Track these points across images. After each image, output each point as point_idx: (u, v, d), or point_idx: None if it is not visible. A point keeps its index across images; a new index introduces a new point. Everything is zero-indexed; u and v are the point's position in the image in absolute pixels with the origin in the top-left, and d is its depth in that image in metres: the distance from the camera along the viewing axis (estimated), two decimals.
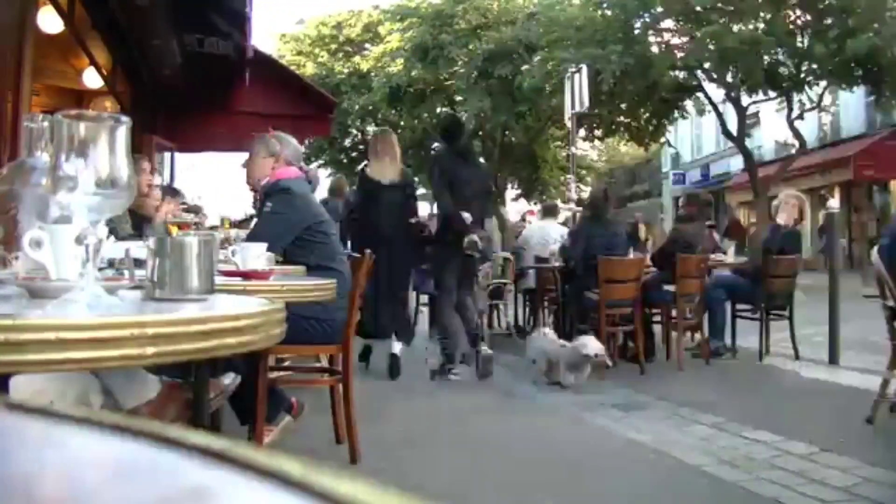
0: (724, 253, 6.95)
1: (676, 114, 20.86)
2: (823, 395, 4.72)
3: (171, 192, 5.46)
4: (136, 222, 3.92)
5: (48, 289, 1.03)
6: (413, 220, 5.39)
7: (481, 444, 3.55)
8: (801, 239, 6.34)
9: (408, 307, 5.93)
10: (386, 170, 5.26)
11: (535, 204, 27.85)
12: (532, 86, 18.02)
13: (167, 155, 10.25)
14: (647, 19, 18.37)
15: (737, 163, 23.10)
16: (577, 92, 10.37)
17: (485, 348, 5.25)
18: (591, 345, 4.68)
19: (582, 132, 20.78)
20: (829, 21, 16.42)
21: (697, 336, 6.19)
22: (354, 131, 29.48)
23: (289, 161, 3.40)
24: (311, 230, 3.25)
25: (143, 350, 0.87)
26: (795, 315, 5.95)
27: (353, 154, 31.17)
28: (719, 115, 19.52)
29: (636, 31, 18.21)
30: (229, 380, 2.80)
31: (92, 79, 6.22)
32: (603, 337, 5.33)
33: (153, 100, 7.15)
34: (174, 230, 3.58)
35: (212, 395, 2.55)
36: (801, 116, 18.24)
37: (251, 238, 3.01)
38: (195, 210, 5.91)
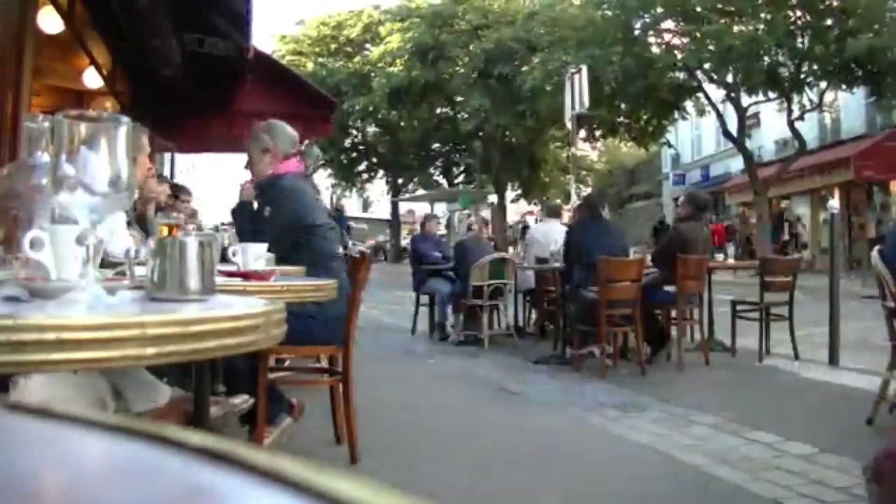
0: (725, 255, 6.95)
1: (676, 114, 20.87)
2: (823, 395, 4.72)
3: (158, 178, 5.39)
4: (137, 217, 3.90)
5: (48, 289, 1.02)
6: None
7: (481, 444, 3.55)
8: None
9: None
10: None
11: (535, 204, 27.92)
12: (533, 86, 18.03)
13: (167, 155, 10.25)
14: (647, 20, 18.38)
15: (737, 163, 23.11)
16: (578, 92, 10.39)
17: None
18: None
19: (582, 133, 20.79)
20: (829, 22, 16.44)
21: (697, 336, 6.20)
22: (354, 132, 29.51)
23: (285, 152, 3.33)
24: (303, 230, 3.18)
25: (143, 350, 0.87)
26: (795, 315, 5.96)
27: (353, 155, 31.20)
28: (719, 116, 19.53)
29: (636, 32, 18.24)
30: (240, 400, 2.82)
31: (92, 79, 6.22)
32: (603, 337, 5.33)
33: (153, 100, 7.14)
34: (164, 230, 3.56)
35: (221, 413, 2.57)
36: (801, 117, 18.25)
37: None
38: (185, 205, 5.86)
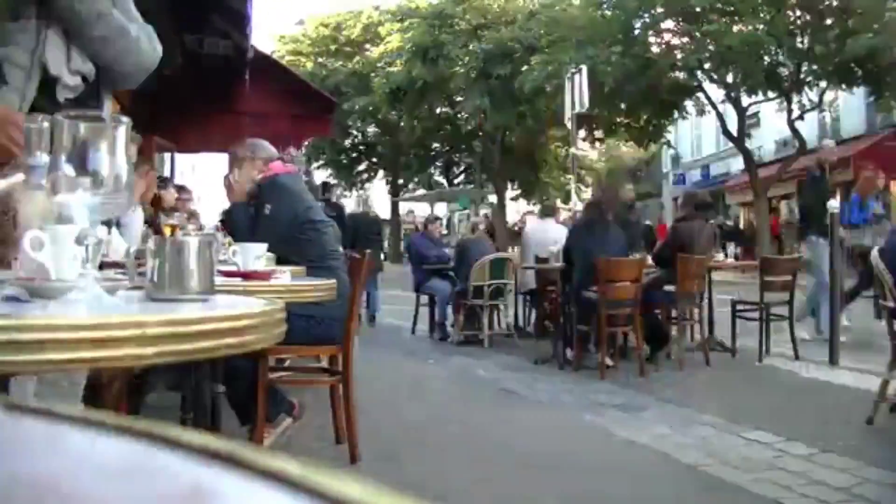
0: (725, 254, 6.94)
1: (676, 114, 20.86)
2: (823, 395, 4.72)
3: (162, 182, 5.42)
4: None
5: (48, 289, 1.02)
6: None
7: (482, 444, 3.55)
8: None
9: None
10: None
11: (535, 204, 27.96)
12: (533, 86, 18.03)
13: (167, 156, 10.24)
14: (647, 20, 18.38)
15: (737, 163, 23.10)
16: (577, 92, 10.40)
17: None
18: None
19: (582, 133, 20.79)
20: (829, 21, 16.44)
21: (697, 336, 6.19)
22: (354, 132, 29.51)
23: (267, 159, 3.37)
24: (307, 224, 3.22)
25: (143, 350, 0.86)
26: (795, 315, 5.95)
27: (353, 155, 31.20)
28: (719, 116, 19.52)
29: (636, 32, 18.23)
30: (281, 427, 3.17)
31: None
32: (603, 337, 5.33)
33: (153, 100, 7.13)
34: (168, 231, 3.56)
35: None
36: (801, 117, 18.25)
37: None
38: (190, 212, 5.88)
